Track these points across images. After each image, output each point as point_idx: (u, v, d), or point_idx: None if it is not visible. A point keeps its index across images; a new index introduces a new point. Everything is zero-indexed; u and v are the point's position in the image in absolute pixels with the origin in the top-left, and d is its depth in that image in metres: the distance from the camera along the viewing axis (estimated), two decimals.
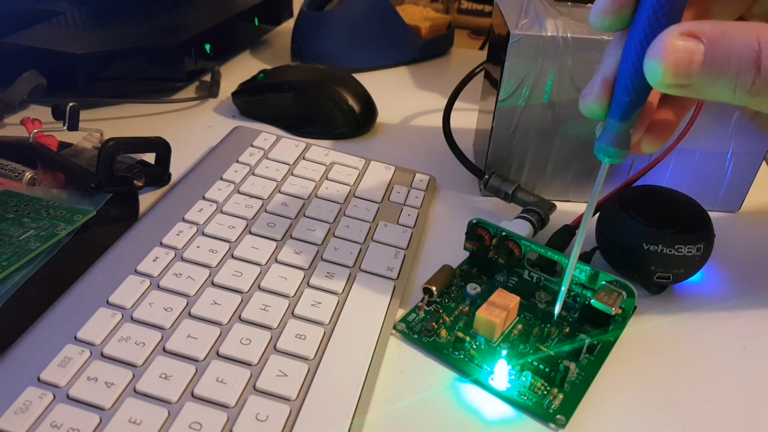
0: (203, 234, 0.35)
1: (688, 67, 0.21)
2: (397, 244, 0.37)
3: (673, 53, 0.21)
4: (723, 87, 0.21)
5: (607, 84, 0.24)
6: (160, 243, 0.33)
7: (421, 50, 0.67)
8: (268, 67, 0.59)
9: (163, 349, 0.27)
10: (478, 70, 0.47)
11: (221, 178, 0.40)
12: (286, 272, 0.33)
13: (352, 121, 0.51)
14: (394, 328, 0.31)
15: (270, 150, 0.44)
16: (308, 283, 0.32)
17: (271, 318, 0.30)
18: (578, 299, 0.33)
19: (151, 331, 0.28)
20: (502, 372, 0.29)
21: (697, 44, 0.21)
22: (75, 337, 0.27)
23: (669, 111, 0.27)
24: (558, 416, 0.27)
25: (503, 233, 0.34)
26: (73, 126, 0.42)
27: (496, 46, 0.41)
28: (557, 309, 0.31)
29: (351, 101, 0.50)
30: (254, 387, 0.26)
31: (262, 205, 0.38)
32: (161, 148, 0.40)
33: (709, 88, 0.21)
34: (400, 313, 0.32)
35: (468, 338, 0.30)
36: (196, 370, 0.27)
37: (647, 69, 0.21)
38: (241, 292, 0.31)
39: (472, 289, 0.33)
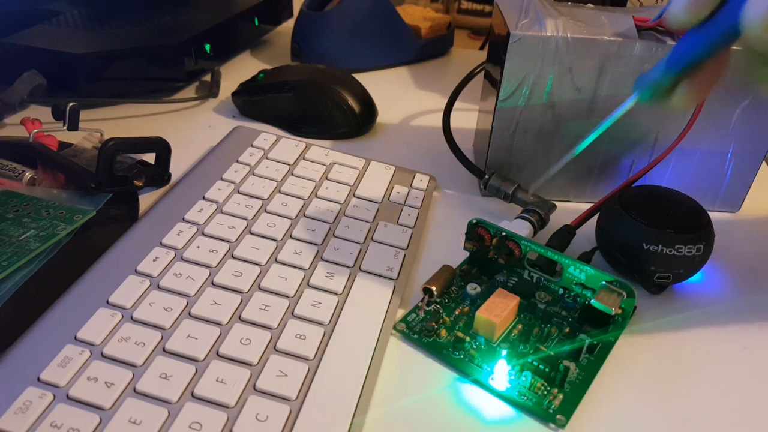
0: (203, 234, 0.35)
1: None
2: (397, 244, 0.37)
3: None
4: None
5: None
6: (160, 243, 0.33)
7: (421, 50, 0.67)
8: (268, 67, 0.59)
9: (163, 349, 0.27)
10: (478, 70, 0.47)
11: (221, 178, 0.40)
12: (286, 272, 0.33)
13: (352, 121, 0.51)
14: (394, 328, 0.31)
15: (270, 150, 0.44)
16: (308, 283, 0.32)
17: (271, 318, 0.30)
18: (578, 299, 0.33)
19: (151, 331, 0.28)
20: (502, 372, 0.29)
21: None
22: (75, 337, 0.27)
23: (710, 72, 0.28)
24: (558, 416, 0.27)
25: (503, 233, 0.34)
26: (73, 126, 0.42)
27: (496, 46, 0.41)
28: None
29: (351, 101, 0.50)
30: (254, 387, 0.26)
31: (262, 205, 0.38)
32: (161, 148, 0.40)
33: None
34: (400, 313, 0.32)
35: (468, 338, 0.30)
36: (196, 370, 0.27)
37: (748, 17, 0.23)
38: (241, 292, 0.31)
39: (472, 289, 0.33)
